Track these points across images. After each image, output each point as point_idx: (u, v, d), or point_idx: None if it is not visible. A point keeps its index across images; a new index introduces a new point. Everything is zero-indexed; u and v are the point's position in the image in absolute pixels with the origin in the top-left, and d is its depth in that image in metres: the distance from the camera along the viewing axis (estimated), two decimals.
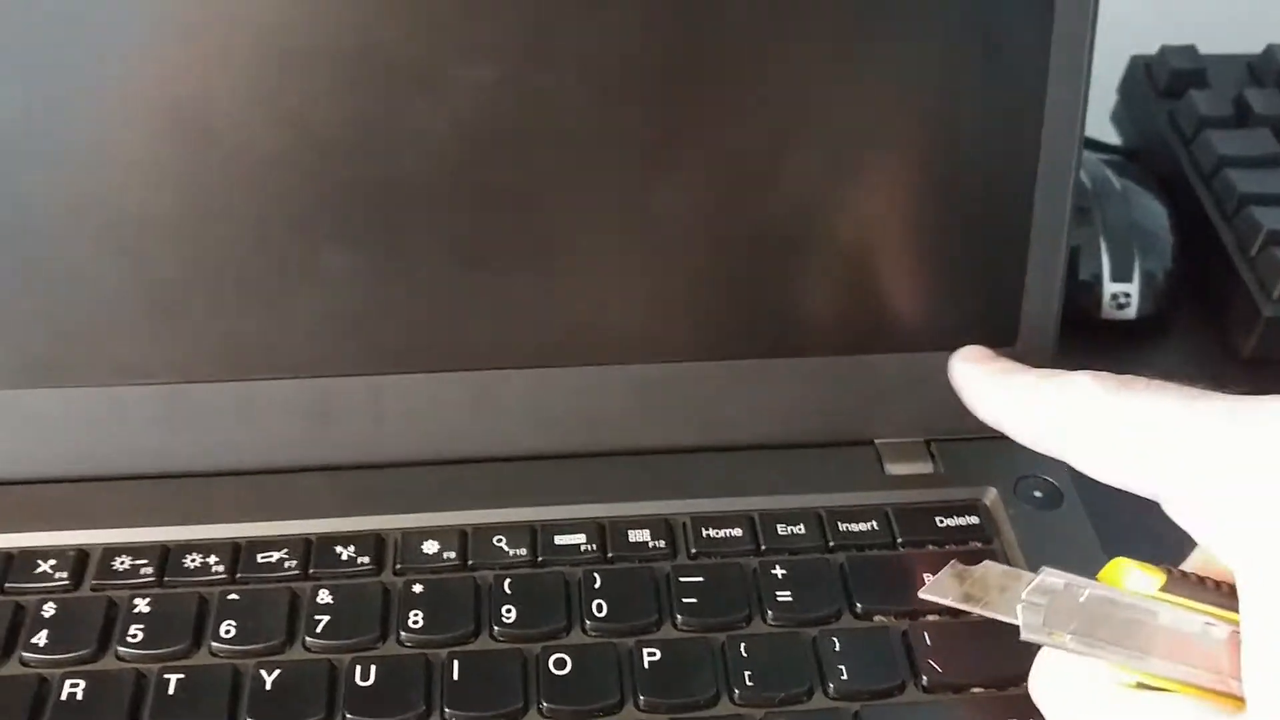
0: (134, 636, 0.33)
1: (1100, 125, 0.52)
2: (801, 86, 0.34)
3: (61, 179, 0.33)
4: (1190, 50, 0.50)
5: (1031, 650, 0.27)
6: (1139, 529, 0.34)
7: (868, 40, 0.34)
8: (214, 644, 0.33)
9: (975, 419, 0.36)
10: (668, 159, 0.34)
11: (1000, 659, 0.33)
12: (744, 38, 0.33)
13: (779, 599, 0.34)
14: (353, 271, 0.34)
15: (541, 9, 0.32)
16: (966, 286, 0.37)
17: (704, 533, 0.36)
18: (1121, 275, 0.45)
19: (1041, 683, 0.27)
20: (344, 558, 0.35)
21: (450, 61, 0.32)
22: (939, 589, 0.27)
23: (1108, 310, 0.44)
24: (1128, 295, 0.44)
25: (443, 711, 0.32)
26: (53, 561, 0.34)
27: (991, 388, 0.29)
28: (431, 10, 0.32)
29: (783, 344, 0.37)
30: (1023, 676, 0.31)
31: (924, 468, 0.38)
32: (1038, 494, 0.37)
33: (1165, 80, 0.49)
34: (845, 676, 0.33)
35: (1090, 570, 0.30)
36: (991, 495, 0.37)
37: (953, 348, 0.37)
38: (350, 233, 0.34)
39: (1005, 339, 0.37)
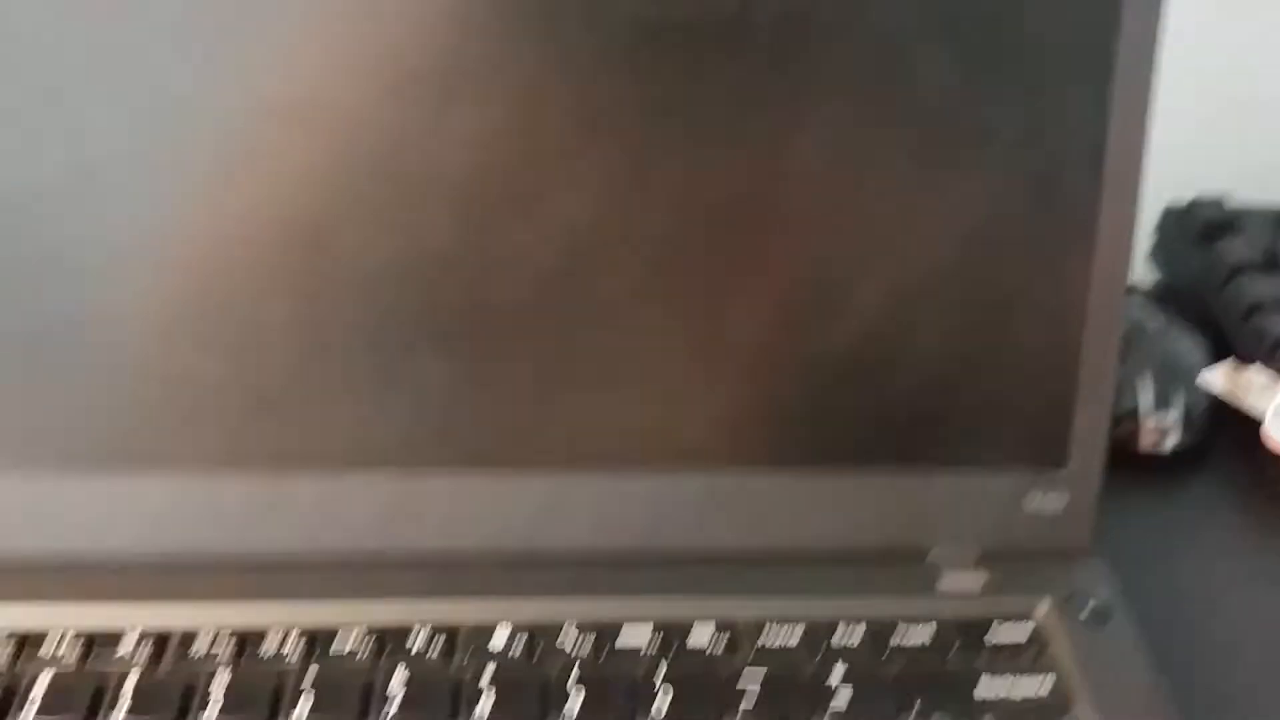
0: (208, 715, 0.34)
1: (1136, 262, 0.55)
2: (861, 217, 0.37)
3: (171, 278, 0.37)
4: (1218, 203, 0.53)
5: None
6: (1189, 644, 0.35)
7: (926, 171, 0.37)
8: None
9: (1020, 536, 0.38)
10: (736, 281, 0.37)
11: None
12: (806, 174, 0.37)
13: (832, 709, 0.35)
14: (442, 377, 0.37)
15: (630, 148, 0.35)
16: (1019, 409, 0.39)
17: (761, 637, 0.37)
18: (1162, 408, 0.46)
19: None
20: (414, 648, 0.36)
21: (549, 191, 0.35)
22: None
23: (1146, 443, 0.46)
24: (1167, 428, 0.46)
25: None
26: (135, 641, 0.36)
27: None
28: (535, 142, 0.35)
29: (842, 458, 0.39)
30: None
31: (974, 581, 0.39)
32: (1093, 604, 0.38)
33: (1197, 228, 0.52)
34: None
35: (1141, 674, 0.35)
36: (1043, 609, 0.38)
37: (1006, 468, 0.39)
38: (444, 342, 0.37)
39: (1056, 461, 0.39)
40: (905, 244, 0.37)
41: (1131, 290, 0.51)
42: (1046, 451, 0.39)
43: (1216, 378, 0.36)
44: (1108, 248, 0.38)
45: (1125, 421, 0.47)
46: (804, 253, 0.37)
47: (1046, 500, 0.39)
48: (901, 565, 0.39)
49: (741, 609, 0.38)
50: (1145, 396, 0.47)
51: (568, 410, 0.38)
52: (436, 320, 0.37)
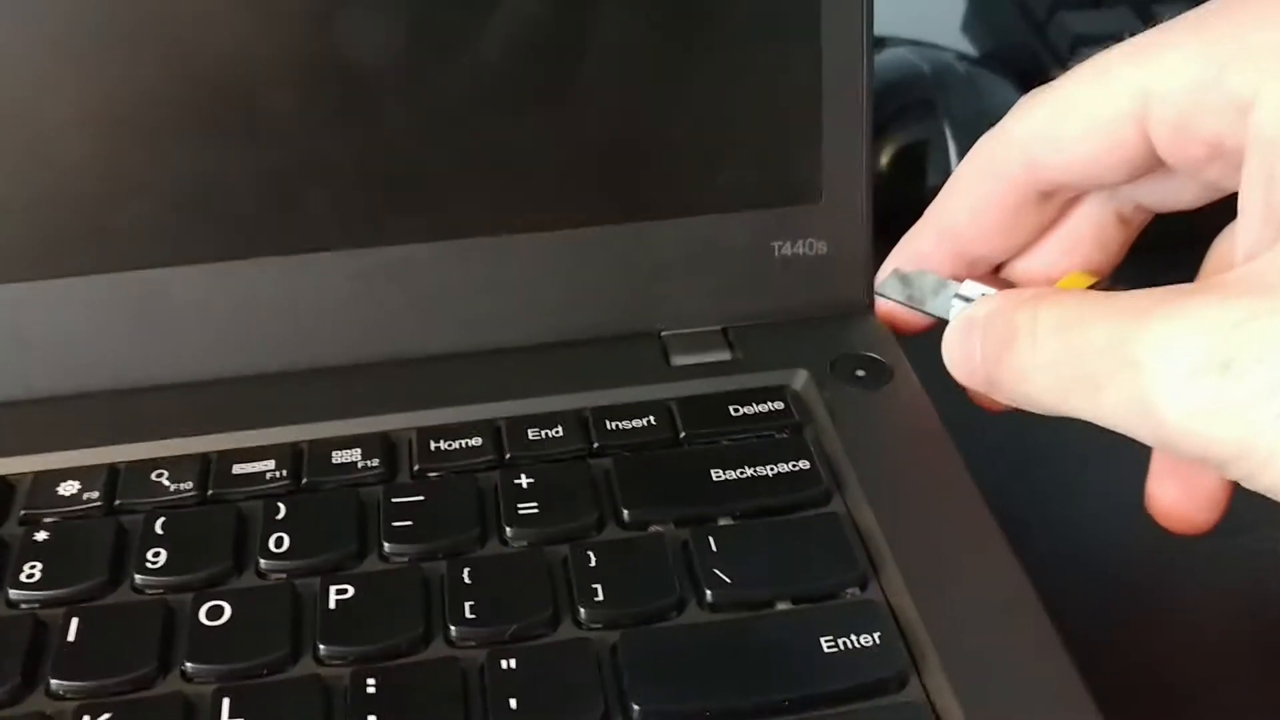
0: None
1: (952, 38, 0.45)
2: None
3: None
4: None
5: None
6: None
7: None
8: None
9: (777, 299, 0.30)
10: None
11: (805, 565, 0.26)
12: None
13: (520, 513, 0.25)
14: None
15: None
16: (753, 132, 0.28)
17: (433, 446, 0.27)
18: None
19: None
20: None
21: None
22: (889, 288, 0.30)
23: None
24: None
25: (48, 683, 0.21)
26: None
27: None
28: None
29: (529, 215, 0.28)
30: (834, 588, 0.25)
31: (718, 356, 0.28)
32: (860, 373, 0.28)
33: None
34: (601, 598, 0.23)
35: (928, 443, 0.28)
36: (801, 379, 0.28)
37: (744, 208, 0.28)
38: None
39: (808, 195, 0.29)
40: None
41: (938, 49, 0.41)
42: (793, 184, 0.28)
43: (890, 286, 0.30)
44: None
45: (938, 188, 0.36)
46: None
47: (802, 247, 0.28)
48: (626, 348, 0.28)
49: (408, 420, 0.26)
50: (952, 153, 0.36)
51: (134, 183, 0.27)
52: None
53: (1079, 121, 0.25)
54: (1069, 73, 0.25)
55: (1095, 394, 0.22)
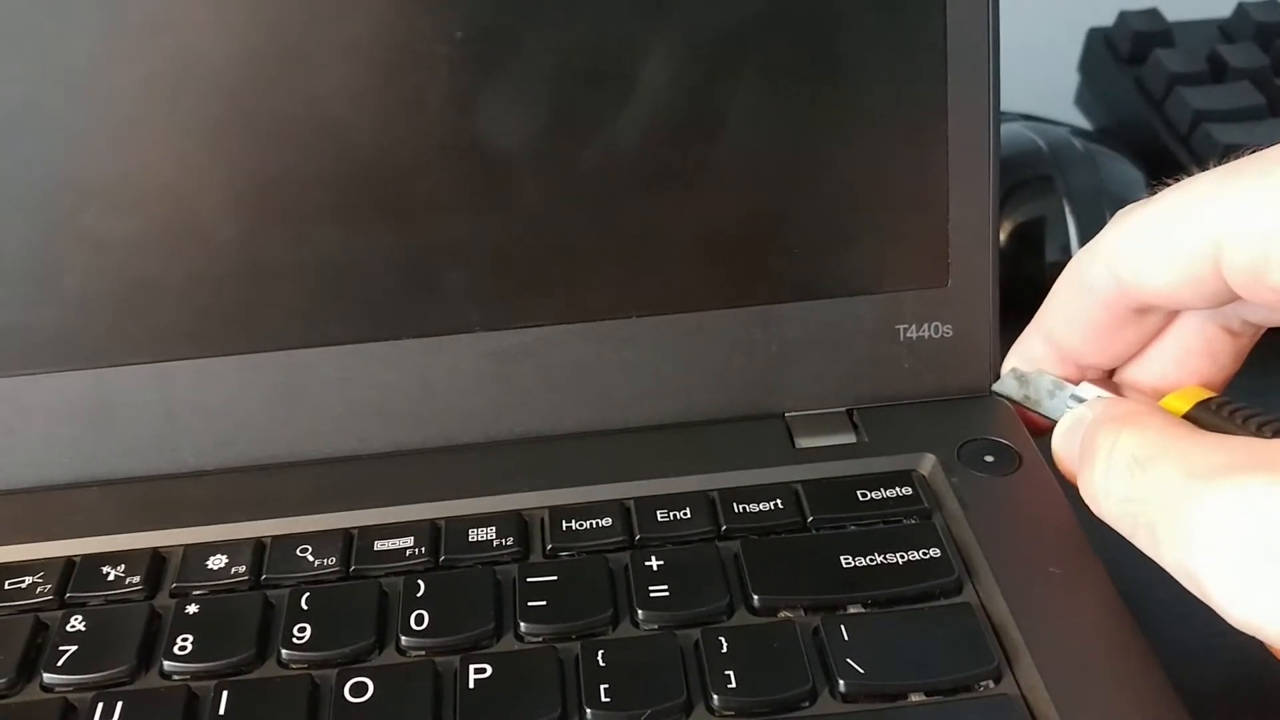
0: None
1: (1065, 111, 0.45)
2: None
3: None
4: (1153, 13, 0.43)
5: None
6: None
7: None
8: None
9: (902, 381, 0.31)
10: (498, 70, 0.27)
11: (939, 656, 0.25)
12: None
13: (652, 596, 0.25)
14: (124, 243, 0.29)
15: None
16: (880, 216, 0.29)
17: (565, 525, 0.27)
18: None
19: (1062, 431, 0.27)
20: (110, 578, 0.27)
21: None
22: (1006, 388, 0.31)
23: None
24: None
25: None
26: None
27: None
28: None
29: (660, 297, 0.29)
30: (968, 681, 0.25)
31: (843, 439, 0.29)
32: (989, 458, 0.28)
33: (1128, 46, 0.42)
34: (734, 685, 0.23)
35: (1060, 531, 0.27)
36: (929, 464, 0.28)
37: (871, 291, 0.29)
38: (119, 197, 0.29)
39: (935, 278, 0.29)
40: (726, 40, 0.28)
41: (1054, 124, 0.41)
42: (917, 269, 0.29)
43: (1006, 385, 0.31)
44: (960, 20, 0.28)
45: (1057, 265, 0.37)
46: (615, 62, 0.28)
47: (928, 330, 0.29)
48: (751, 430, 0.29)
49: (539, 499, 0.27)
50: (1072, 230, 0.36)
51: (289, 270, 0.28)
52: (88, 169, 0.29)
53: (1160, 249, 0.25)
54: (1163, 192, 0.25)
55: (1155, 544, 0.21)
